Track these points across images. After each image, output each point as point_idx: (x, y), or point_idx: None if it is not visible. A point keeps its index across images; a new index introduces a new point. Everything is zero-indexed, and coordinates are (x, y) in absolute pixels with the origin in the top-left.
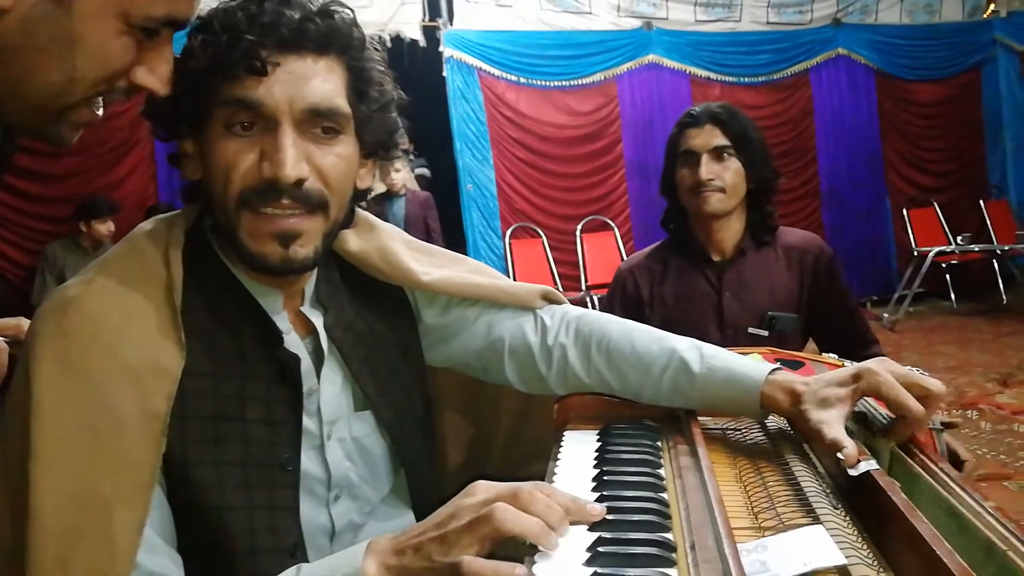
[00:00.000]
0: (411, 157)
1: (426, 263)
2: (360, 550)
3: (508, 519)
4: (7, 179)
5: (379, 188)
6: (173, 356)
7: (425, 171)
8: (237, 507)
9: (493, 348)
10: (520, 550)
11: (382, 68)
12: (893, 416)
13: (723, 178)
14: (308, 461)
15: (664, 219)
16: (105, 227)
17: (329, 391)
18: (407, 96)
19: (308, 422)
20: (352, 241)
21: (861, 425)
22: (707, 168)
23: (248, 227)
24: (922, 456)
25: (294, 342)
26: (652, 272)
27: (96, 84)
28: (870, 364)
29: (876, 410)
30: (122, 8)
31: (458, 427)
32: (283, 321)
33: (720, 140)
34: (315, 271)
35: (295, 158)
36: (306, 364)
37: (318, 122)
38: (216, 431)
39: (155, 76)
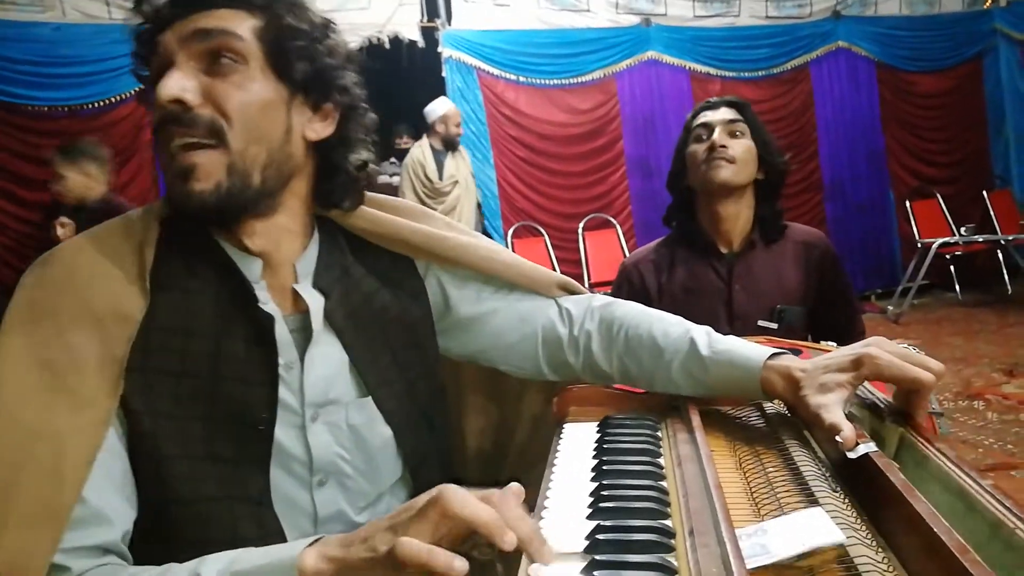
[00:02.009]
0: (392, 161)
1: (447, 230)
2: (307, 540)
3: (456, 500)
4: (8, 187)
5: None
6: (135, 304)
7: (393, 180)
8: (199, 457)
9: (526, 342)
10: (483, 552)
11: (311, 17)
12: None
13: (735, 149)
14: (286, 437)
15: (668, 215)
16: (64, 231)
17: (318, 372)
18: (407, 97)
19: (288, 396)
20: (362, 215)
21: (868, 411)
22: (720, 137)
23: (166, 173)
24: (929, 440)
25: (273, 310)
26: (658, 266)
27: None
28: (868, 349)
29: (876, 394)
30: None
31: (479, 422)
32: (261, 289)
33: (735, 116)
34: (313, 252)
35: (174, 80)
36: (284, 334)
37: (211, 51)
38: (178, 386)
39: None
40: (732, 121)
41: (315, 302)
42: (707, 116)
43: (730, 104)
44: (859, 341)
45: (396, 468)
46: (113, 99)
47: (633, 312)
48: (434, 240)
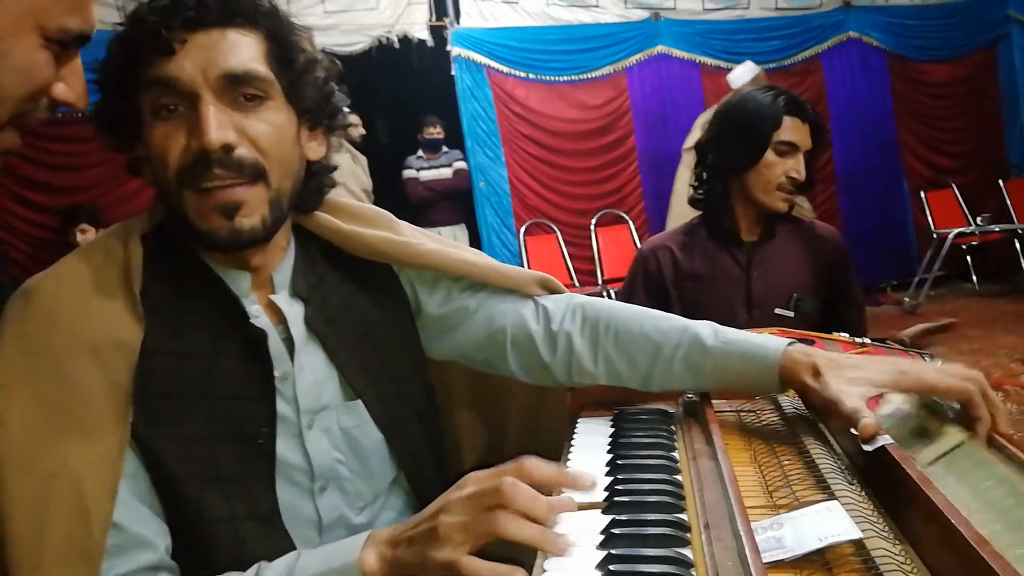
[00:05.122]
0: (419, 156)
1: (419, 237)
2: (361, 539)
3: (509, 526)
4: (25, 193)
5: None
6: (132, 331)
7: (420, 175)
8: (206, 478)
9: (494, 339)
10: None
11: (303, 34)
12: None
13: (802, 175)
14: (286, 448)
15: (699, 198)
16: (84, 238)
17: (308, 379)
18: (417, 96)
19: (284, 407)
20: (336, 228)
21: (928, 411)
22: (801, 167)
23: (192, 206)
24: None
25: (265, 324)
26: (676, 252)
27: (21, 102)
28: (916, 363)
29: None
30: (38, 22)
31: (470, 423)
32: (252, 303)
33: (810, 142)
34: (289, 261)
35: (217, 124)
36: (277, 347)
37: (239, 89)
38: (178, 407)
39: (73, 91)
40: (808, 151)
41: (293, 312)
42: (796, 133)
43: (813, 123)
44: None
45: (390, 469)
46: None
47: (621, 309)
48: (401, 246)
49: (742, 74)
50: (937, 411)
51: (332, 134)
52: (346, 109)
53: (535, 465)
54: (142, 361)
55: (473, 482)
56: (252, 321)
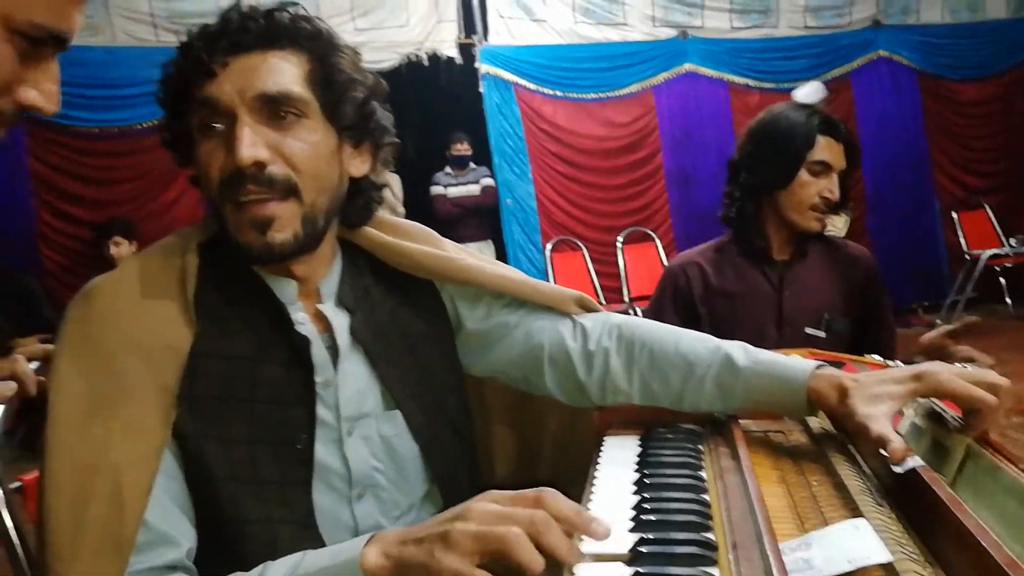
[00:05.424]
0: (447, 172)
1: (460, 253)
2: (365, 537)
3: (521, 549)
4: (63, 207)
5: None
6: (183, 334)
7: (448, 191)
8: (245, 479)
9: (532, 356)
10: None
11: (347, 54)
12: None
13: (836, 196)
14: (326, 453)
15: (729, 216)
16: (118, 250)
17: (350, 387)
18: (445, 113)
19: (325, 413)
20: (382, 241)
21: (934, 423)
22: (835, 187)
23: (231, 219)
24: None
25: (310, 331)
26: (706, 269)
27: None
28: (929, 365)
29: (946, 410)
30: (4, 11)
31: (505, 438)
32: (297, 311)
33: (844, 162)
34: (336, 272)
35: (249, 142)
36: (321, 354)
37: (274, 108)
38: (223, 409)
39: (42, 94)
40: (842, 172)
41: (340, 321)
42: (830, 152)
43: (848, 142)
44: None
45: (425, 481)
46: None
47: (656, 329)
48: (445, 262)
49: (809, 94)
50: (938, 419)
51: (379, 152)
52: (391, 130)
53: (558, 499)
54: (190, 363)
55: (498, 499)
56: (297, 328)
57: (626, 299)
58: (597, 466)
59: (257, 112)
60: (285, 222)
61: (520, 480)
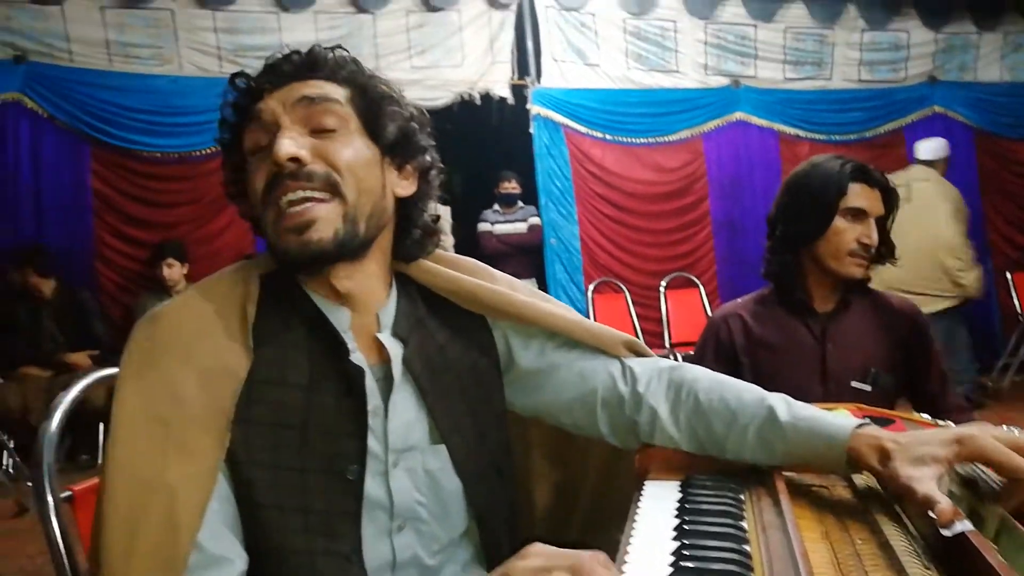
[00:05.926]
0: (495, 209)
1: (508, 288)
2: None
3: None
4: (120, 227)
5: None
6: (241, 359)
7: (495, 228)
8: (291, 508)
9: (585, 399)
10: None
11: (385, 84)
12: (1003, 481)
13: (875, 241)
14: (372, 484)
15: (772, 270)
16: (170, 272)
17: (399, 419)
18: (495, 152)
19: (373, 444)
20: (437, 273)
21: (968, 490)
22: (874, 233)
23: (271, 224)
24: None
25: (361, 360)
26: (748, 320)
27: None
28: (971, 428)
29: (986, 474)
30: None
31: (546, 478)
32: (350, 340)
33: (881, 208)
34: (392, 301)
35: (288, 139)
36: (371, 384)
37: (315, 115)
38: (276, 436)
39: None
40: (880, 219)
41: (396, 350)
42: (865, 199)
43: (885, 189)
44: (951, 415)
45: (465, 517)
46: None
47: (703, 376)
48: (500, 297)
49: (931, 150)
50: (974, 487)
51: (424, 176)
52: (434, 156)
53: (602, 564)
54: (247, 388)
55: (537, 554)
56: (351, 358)
57: (667, 344)
58: (637, 509)
59: (300, 122)
60: (326, 223)
61: (558, 520)
